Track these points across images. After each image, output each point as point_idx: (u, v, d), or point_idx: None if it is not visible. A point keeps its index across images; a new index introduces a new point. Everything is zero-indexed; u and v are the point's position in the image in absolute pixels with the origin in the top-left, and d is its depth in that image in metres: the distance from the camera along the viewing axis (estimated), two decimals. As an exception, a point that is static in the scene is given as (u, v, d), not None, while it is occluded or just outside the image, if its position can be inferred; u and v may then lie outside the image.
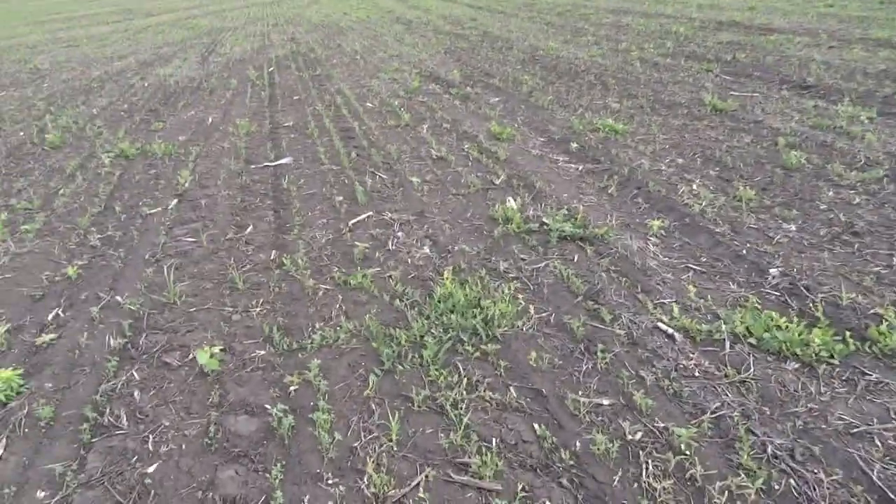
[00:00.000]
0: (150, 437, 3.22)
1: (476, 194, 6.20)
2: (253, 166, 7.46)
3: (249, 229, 5.60)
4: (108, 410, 3.40)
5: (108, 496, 2.86)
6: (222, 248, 5.25)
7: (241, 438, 3.20)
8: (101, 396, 3.50)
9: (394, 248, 5.15)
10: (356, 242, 5.16)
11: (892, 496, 2.67)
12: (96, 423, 3.32)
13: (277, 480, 2.89)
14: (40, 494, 2.88)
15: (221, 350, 3.87)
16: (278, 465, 2.98)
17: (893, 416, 3.15)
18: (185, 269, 4.93)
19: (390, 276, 4.68)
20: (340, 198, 6.15)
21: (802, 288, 4.32)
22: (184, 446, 3.16)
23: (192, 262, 5.05)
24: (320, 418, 3.22)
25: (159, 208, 6.23)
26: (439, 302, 4.27)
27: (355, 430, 3.22)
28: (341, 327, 4.07)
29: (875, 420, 3.14)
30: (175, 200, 6.38)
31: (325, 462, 3.02)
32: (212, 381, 3.64)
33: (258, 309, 4.34)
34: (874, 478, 2.77)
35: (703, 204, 5.67)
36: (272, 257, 5.06)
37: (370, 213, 5.83)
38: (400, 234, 5.38)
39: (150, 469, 3.02)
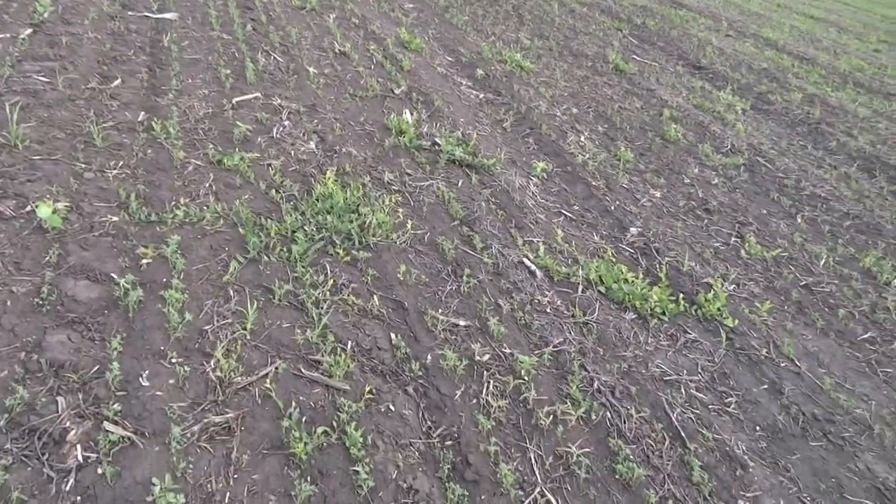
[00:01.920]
0: (-31, 287, 2.90)
1: (373, 99, 6.00)
2: (131, 13, 6.61)
3: (117, 83, 5.02)
4: (-83, 251, 2.99)
5: None
6: (81, 97, 4.67)
7: (79, 304, 2.98)
8: None
9: (278, 136, 4.88)
10: (238, 122, 4.82)
11: (683, 434, 3.10)
12: None
13: (115, 352, 2.75)
14: None
15: (67, 207, 3.51)
16: (118, 336, 2.82)
17: (699, 371, 3.62)
18: (33, 110, 4.34)
19: (269, 165, 4.45)
20: (227, 71, 5.66)
21: (653, 249, 4.73)
22: (8, 302, 2.88)
23: (43, 104, 4.45)
24: (172, 296, 3.07)
25: (7, 35, 5.36)
26: (317, 200, 4.16)
27: (208, 313, 3.11)
28: (208, 207, 3.84)
29: (685, 372, 3.58)
30: (29, 30, 5.52)
31: (170, 340, 2.90)
32: (51, 238, 3.31)
33: (116, 171, 3.96)
34: (673, 419, 3.19)
35: (587, 156, 5.93)
36: (140, 119, 4.59)
37: (258, 94, 5.44)
38: (287, 122, 5.10)
39: (-34, 321, 2.74)
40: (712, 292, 4.23)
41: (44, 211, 3.34)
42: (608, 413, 3.13)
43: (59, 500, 2.17)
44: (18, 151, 3.90)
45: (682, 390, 3.43)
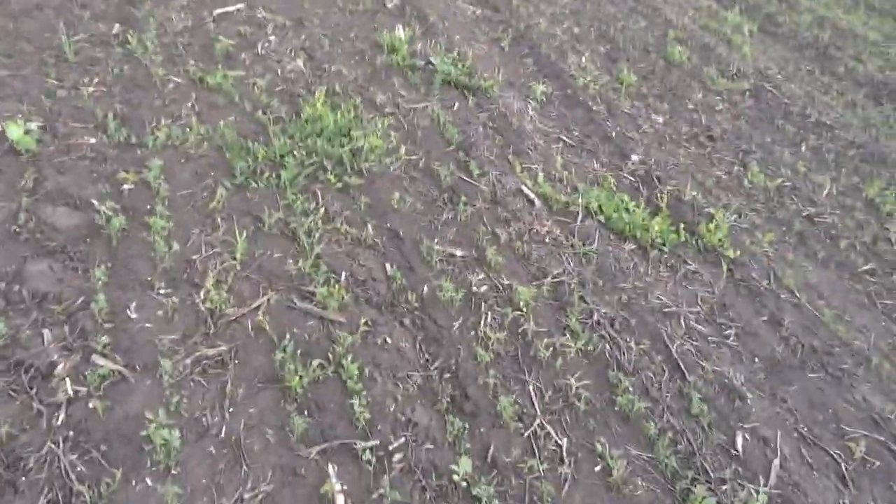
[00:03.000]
0: (-60, 213, 2.73)
1: (364, 14, 5.63)
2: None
3: (87, -9, 4.63)
4: None
5: None
6: (49, 6, 4.31)
7: (58, 232, 2.83)
8: None
9: (263, 52, 4.58)
10: (219, 36, 4.50)
11: (683, 366, 3.08)
12: None
13: (100, 283, 2.63)
14: None
15: (40, 128, 3.28)
16: (102, 266, 2.70)
17: (699, 302, 3.58)
18: (-4, 21, 4.00)
19: (255, 84, 4.19)
20: (206, -21, 5.24)
21: (655, 178, 4.59)
22: (-16, 230, 2.73)
23: (8, 14, 4.10)
24: (157, 223, 2.92)
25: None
26: (306, 123, 3.94)
27: (196, 242, 2.98)
28: (191, 129, 3.63)
29: (684, 303, 3.54)
30: (-15, -70, 5.04)
31: (157, 271, 2.78)
32: (25, 161, 3.11)
33: (91, 89, 3.70)
34: (673, 351, 3.16)
35: (588, 79, 5.67)
36: (115, 31, 4.26)
37: (240, 5, 5.07)
38: (272, 37, 4.78)
39: (-62, 249, 2.59)
40: (714, 222, 4.13)
41: (14, 132, 3.12)
42: (607, 345, 3.09)
43: (51, 434, 2.11)
44: (-17, 66, 3.62)
45: (682, 322, 3.40)
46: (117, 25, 4.33)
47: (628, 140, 5.01)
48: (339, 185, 3.60)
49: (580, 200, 4.09)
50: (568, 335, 3.07)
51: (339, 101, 4.26)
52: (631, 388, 2.88)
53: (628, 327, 3.25)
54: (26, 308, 2.48)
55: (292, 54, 4.68)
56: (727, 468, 2.64)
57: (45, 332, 2.41)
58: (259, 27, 4.88)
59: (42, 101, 3.51)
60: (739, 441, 2.78)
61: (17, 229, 2.77)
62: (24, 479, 1.97)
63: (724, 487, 2.53)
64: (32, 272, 2.62)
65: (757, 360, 3.29)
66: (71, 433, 2.13)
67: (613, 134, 5.02)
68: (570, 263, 3.57)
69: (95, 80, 3.77)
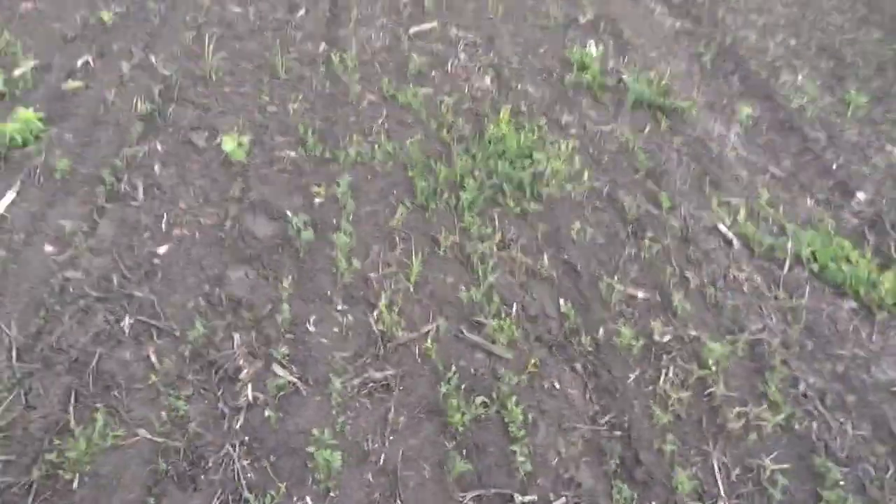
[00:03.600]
0: (165, 216, 3.08)
1: (555, 30, 5.47)
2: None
3: (301, 12, 5.04)
4: (125, 178, 3.23)
5: (114, 266, 2.78)
6: (269, 28, 4.75)
7: (257, 241, 3.05)
8: (120, 161, 3.31)
9: (453, 70, 4.63)
10: (413, 54, 4.63)
11: (917, 466, 2.51)
12: (113, 188, 3.16)
13: (286, 294, 2.78)
14: (48, 248, 2.80)
15: (250, 141, 3.59)
16: (290, 277, 2.86)
17: (941, 384, 2.91)
18: (226, 42, 4.49)
19: (443, 102, 4.23)
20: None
21: (886, 222, 3.86)
22: (197, 234, 3.03)
23: (235, 36, 4.59)
24: (341, 240, 3.03)
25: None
26: (489, 143, 3.89)
27: (374, 260, 3.04)
28: (380, 146, 3.75)
29: (922, 382, 2.90)
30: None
31: (337, 286, 2.88)
32: (235, 172, 3.42)
33: (296, 105, 3.98)
34: (901, 442, 2.60)
35: (805, 100, 4.97)
36: (321, 50, 4.58)
37: (435, 24, 5.19)
38: (462, 55, 4.82)
39: (161, 250, 2.91)
40: (967, 283, 3.35)
41: (229, 144, 3.44)
42: (815, 424, 2.62)
43: (231, 437, 2.24)
44: (212, 82, 4.07)
45: (916, 406, 2.78)
46: (323, 45, 4.64)
47: (853, 174, 4.29)
48: (518, 209, 3.48)
49: (788, 244, 3.55)
50: (765, 405, 2.64)
51: (523, 120, 4.15)
52: (843, 483, 2.39)
53: (843, 405, 2.73)
54: (223, 311, 2.69)
55: (480, 72, 4.68)
56: None
57: (236, 336, 2.59)
58: (450, 44, 4.95)
59: (255, 115, 3.84)
60: None
61: (223, 236, 3.03)
62: (203, 477, 2.11)
63: None
64: (232, 278, 2.84)
65: None
66: (247, 438, 2.24)
67: (834, 166, 4.33)
68: (772, 319, 3.10)
69: (300, 97, 4.06)
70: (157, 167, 3.36)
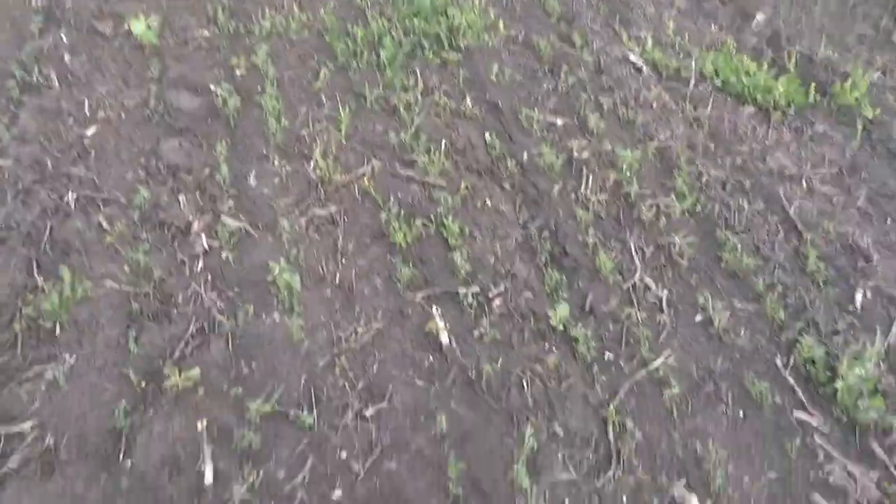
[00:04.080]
0: (87, 101, 3.07)
1: None
2: None
3: None
4: (36, 70, 3.17)
5: (44, 151, 2.80)
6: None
7: (183, 114, 3.10)
8: (26, 56, 3.23)
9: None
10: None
11: (801, 227, 2.89)
12: (24, 81, 3.11)
13: (222, 156, 2.87)
14: (-27, 142, 2.79)
15: (160, 24, 3.53)
16: (223, 142, 2.94)
17: (826, 164, 3.29)
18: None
19: (352, -31, 4.19)
20: None
21: (782, 37, 4.16)
22: (123, 115, 3.05)
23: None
24: (268, 103, 3.11)
25: None
26: (403, 3, 3.93)
27: (303, 119, 3.14)
28: (293, 17, 3.74)
29: (809, 165, 3.27)
30: None
31: (271, 145, 2.99)
32: (149, 54, 3.39)
33: (201, -15, 3.89)
34: (790, 212, 2.97)
35: (706, -64, 5.10)
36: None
37: None
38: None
39: (89, 132, 2.93)
40: (850, 81, 3.69)
41: (138, 27, 3.39)
42: (717, 206, 2.96)
43: (193, 278, 2.41)
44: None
45: (804, 183, 3.15)
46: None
47: (753, 0, 4.52)
48: (438, 60, 3.60)
49: (693, 65, 3.81)
50: (673, 196, 2.96)
51: (435, -21, 4.16)
52: (740, 246, 2.76)
53: (741, 189, 3.08)
54: (163, 178, 2.78)
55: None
56: (840, 321, 2.50)
57: (181, 197, 2.70)
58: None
59: (161, 0, 3.75)
60: (859, 297, 2.60)
61: (150, 113, 3.06)
62: (175, 311, 2.28)
63: (836, 339, 2.41)
64: (166, 149, 2.91)
65: (890, 220, 3.01)
66: (210, 277, 2.42)
67: (735, -6, 4.54)
68: (679, 128, 3.39)
69: (204, -24, 3.94)
70: (66, 57, 3.30)
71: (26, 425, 1.91)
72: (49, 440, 1.89)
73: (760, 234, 2.85)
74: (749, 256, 2.71)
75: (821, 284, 2.64)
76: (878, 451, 2.12)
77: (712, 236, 2.83)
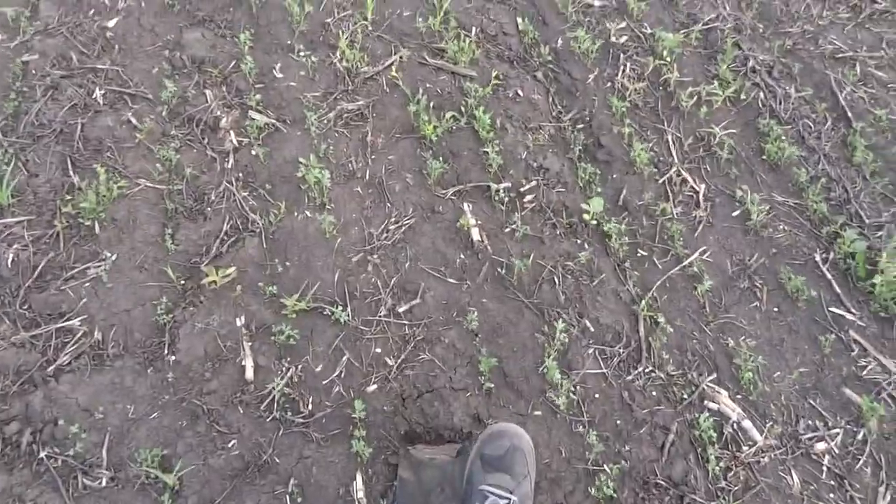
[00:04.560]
0: (105, -10, 2.96)
1: None
2: None
3: None
4: (50, -43, 3.04)
5: (69, 45, 2.75)
6: None
7: (206, 2, 2.98)
8: (39, -58, 3.09)
9: None
10: None
11: (851, 115, 2.75)
12: (40, -31, 3.00)
13: (247, 47, 2.79)
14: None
15: None
16: (247, 32, 2.84)
17: (885, 46, 3.06)
18: None
19: None
20: None
21: None
22: (143, 4, 2.94)
23: None
24: (289, -12, 2.96)
25: None
26: None
27: (328, 5, 3.00)
28: None
29: (864, 48, 3.05)
30: None
31: (295, 35, 2.88)
32: (165, -64, 3.21)
33: None
34: (841, 98, 2.81)
35: None
36: None
37: None
38: None
39: (110, 23, 2.86)
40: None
41: None
42: (761, 93, 2.81)
43: (226, 175, 2.43)
44: None
45: (858, 68, 2.96)
46: None
47: None
48: (466, -62, 3.34)
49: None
50: (716, 83, 2.81)
51: None
52: (783, 137, 2.65)
53: (789, 74, 2.91)
54: (189, 71, 2.73)
55: None
56: (885, 213, 2.43)
57: (207, 91, 2.66)
58: None
59: None
60: (907, 189, 2.52)
61: (170, 2, 2.95)
62: (209, 209, 2.33)
63: (879, 233, 2.36)
64: (189, 39, 2.82)
65: (950, 106, 2.83)
66: (241, 174, 2.43)
67: None
68: (726, 8, 3.15)
69: None
70: (80, -58, 3.14)
71: (76, 321, 2.03)
72: (97, 335, 2.00)
73: (806, 123, 2.72)
74: (793, 147, 2.61)
75: (867, 176, 2.55)
76: (910, 343, 2.14)
77: (755, 126, 2.71)
